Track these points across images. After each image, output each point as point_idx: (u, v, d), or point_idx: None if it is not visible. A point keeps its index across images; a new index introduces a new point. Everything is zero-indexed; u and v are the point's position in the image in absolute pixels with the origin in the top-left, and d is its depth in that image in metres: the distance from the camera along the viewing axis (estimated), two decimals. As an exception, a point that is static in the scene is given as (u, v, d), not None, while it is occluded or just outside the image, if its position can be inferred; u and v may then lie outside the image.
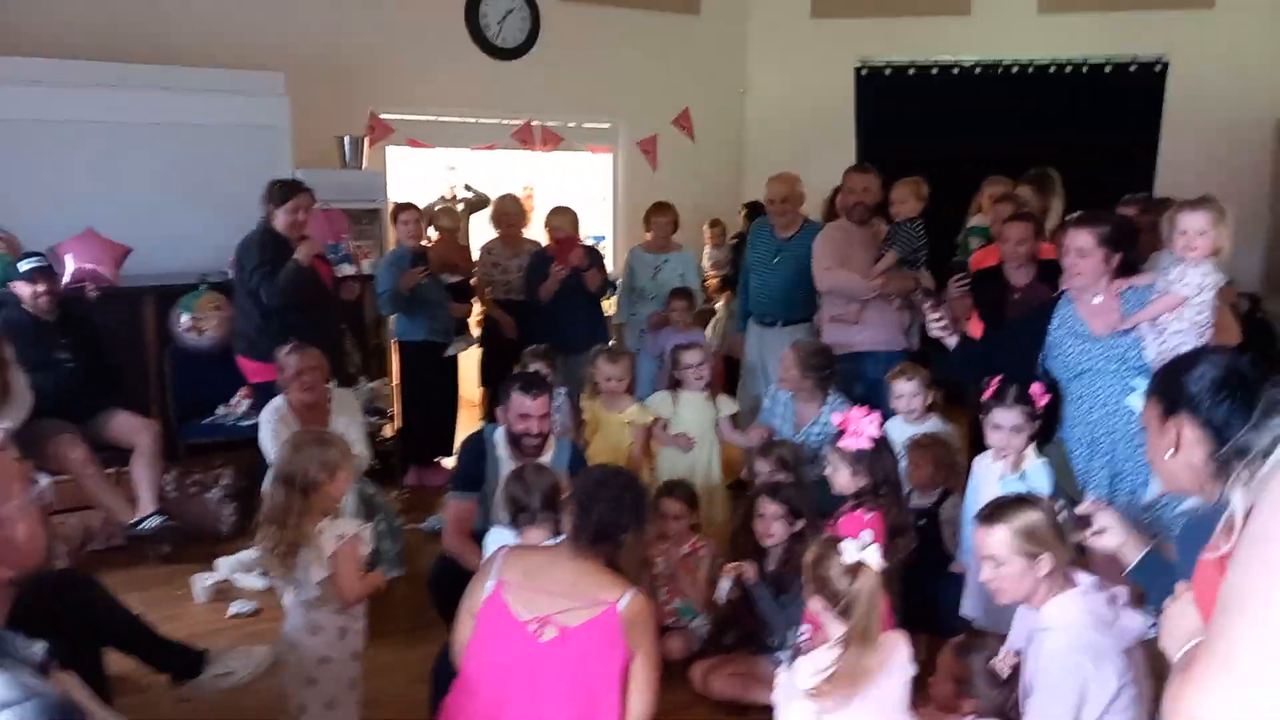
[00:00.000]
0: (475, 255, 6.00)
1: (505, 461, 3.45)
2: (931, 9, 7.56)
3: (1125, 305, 3.13)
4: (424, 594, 3.93)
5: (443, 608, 3.46)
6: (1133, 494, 3.12)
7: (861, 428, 2.94)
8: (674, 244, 5.84)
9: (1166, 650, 1.34)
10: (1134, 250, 3.21)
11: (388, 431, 5.60)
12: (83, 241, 4.97)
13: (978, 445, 3.80)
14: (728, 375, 5.83)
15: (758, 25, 8.03)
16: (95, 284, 4.90)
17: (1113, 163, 6.59)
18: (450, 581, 3.28)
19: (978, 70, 7.51)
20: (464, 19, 6.92)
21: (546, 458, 3.38)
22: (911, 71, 7.61)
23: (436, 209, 5.92)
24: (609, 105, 7.56)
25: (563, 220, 5.43)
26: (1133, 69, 7.32)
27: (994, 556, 2.28)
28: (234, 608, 4.00)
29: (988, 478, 3.24)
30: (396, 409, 5.67)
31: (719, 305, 6.71)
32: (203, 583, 4.12)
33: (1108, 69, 7.35)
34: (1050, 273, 4.16)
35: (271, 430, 4.11)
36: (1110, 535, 2.18)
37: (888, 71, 7.66)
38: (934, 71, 7.58)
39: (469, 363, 6.49)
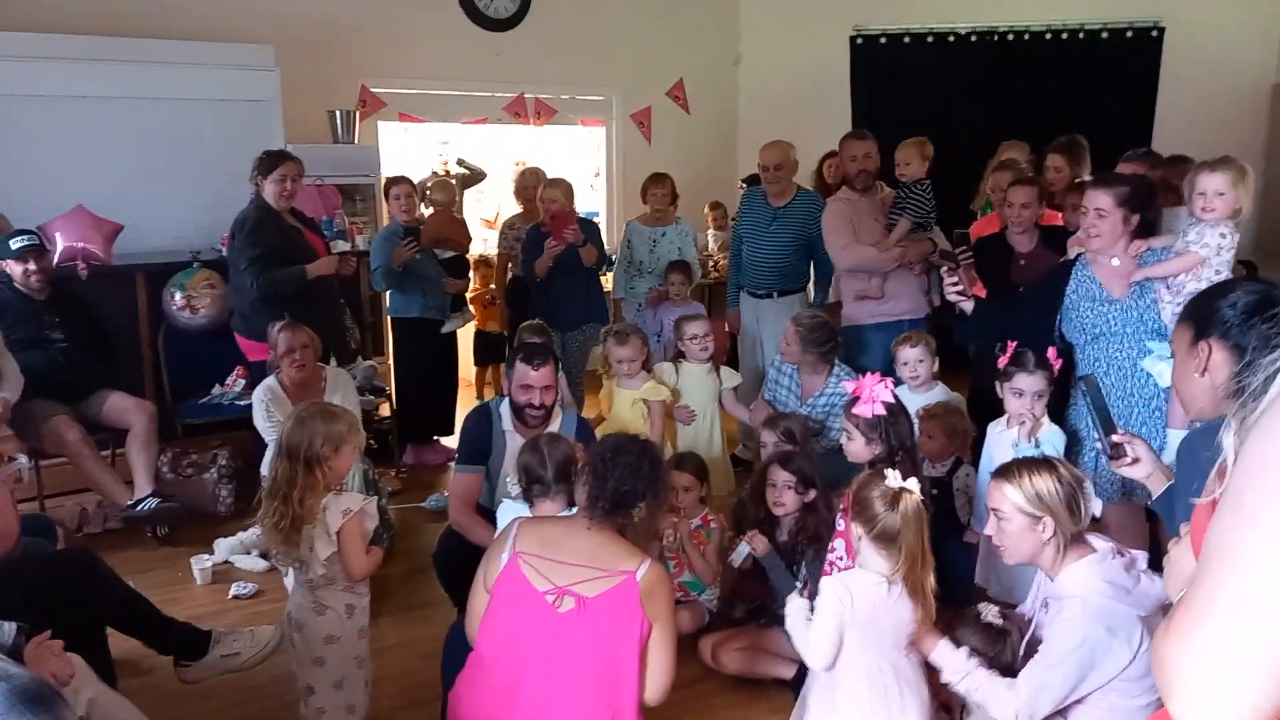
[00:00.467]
0: (471, 230, 5.92)
1: (511, 434, 3.39)
2: (927, -24, 7.47)
3: (1142, 266, 3.09)
4: (426, 572, 3.91)
5: (448, 583, 3.44)
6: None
7: (876, 394, 2.89)
8: (672, 216, 5.77)
9: (1169, 594, 1.35)
10: (1152, 211, 3.17)
11: (384, 410, 5.54)
12: (73, 219, 4.88)
13: (976, 413, 3.78)
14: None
15: (751, -7, 7.92)
16: (86, 262, 4.82)
17: (1109, 129, 6.53)
18: (456, 556, 3.25)
19: (973, 38, 7.48)
20: (455, -10, 6.80)
21: (553, 428, 3.33)
22: (907, 40, 7.58)
23: (430, 184, 5.80)
24: (602, 77, 7.46)
25: (556, 192, 5.32)
26: (1129, 34, 7.31)
27: (999, 510, 2.32)
28: (234, 589, 3.95)
29: (1002, 444, 3.21)
30: (392, 387, 5.61)
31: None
32: (201, 564, 4.07)
33: (1104, 35, 7.34)
34: (1054, 239, 4.13)
35: (264, 410, 4.07)
36: (1141, 466, 2.29)
37: (883, 40, 7.61)
38: (929, 39, 7.54)
39: (468, 340, 6.45)
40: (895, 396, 2.94)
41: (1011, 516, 2.28)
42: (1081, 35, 7.35)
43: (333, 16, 6.31)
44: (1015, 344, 3.10)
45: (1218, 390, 1.84)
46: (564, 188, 5.37)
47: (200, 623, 3.14)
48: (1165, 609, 2.15)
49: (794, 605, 2.50)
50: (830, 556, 2.95)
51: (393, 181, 5.44)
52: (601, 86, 7.51)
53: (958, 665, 2.30)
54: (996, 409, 3.37)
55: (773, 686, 3.24)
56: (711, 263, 7.01)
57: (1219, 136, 5.81)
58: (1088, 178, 4.25)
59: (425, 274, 5.33)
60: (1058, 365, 3.09)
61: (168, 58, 5.37)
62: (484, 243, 7.32)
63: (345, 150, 6.09)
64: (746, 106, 8.01)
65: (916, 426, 3.48)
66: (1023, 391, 3.04)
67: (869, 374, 3.00)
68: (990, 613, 2.41)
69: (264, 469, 3.88)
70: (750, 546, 3.34)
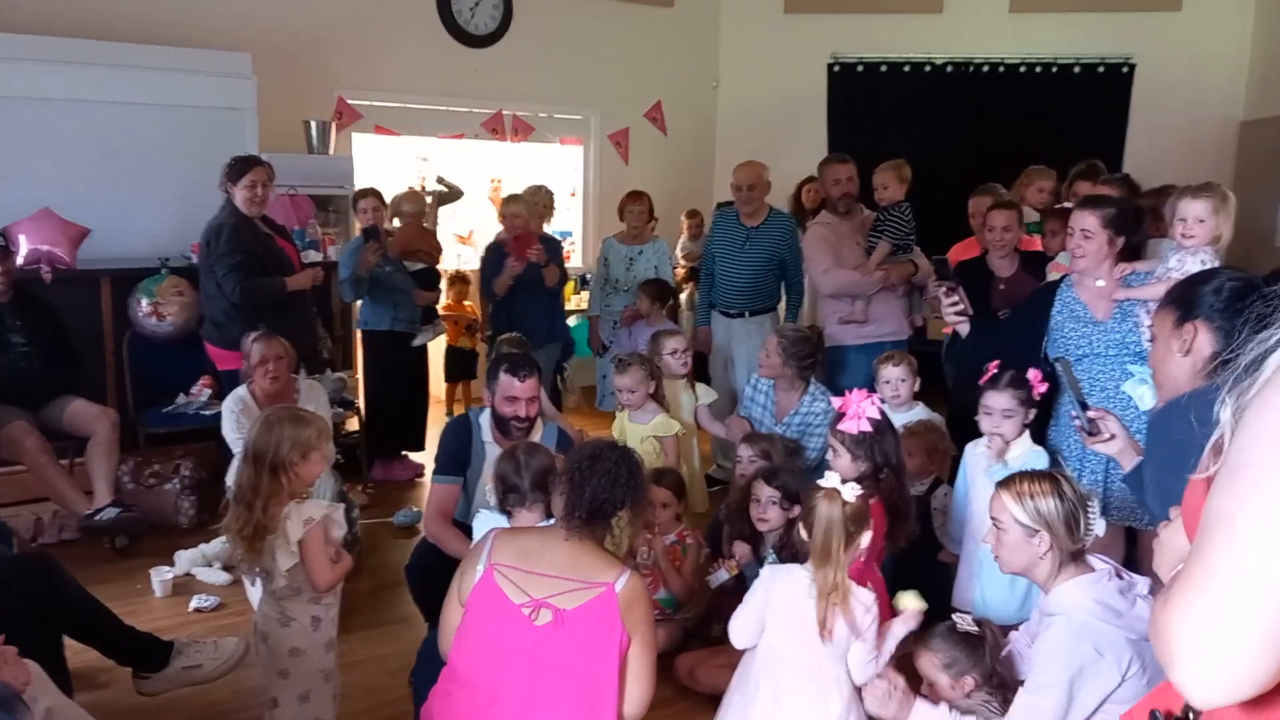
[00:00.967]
0: (444, 244, 5.85)
1: (491, 445, 3.32)
2: (904, 6, 7.57)
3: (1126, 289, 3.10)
4: (399, 587, 3.82)
5: (421, 596, 3.36)
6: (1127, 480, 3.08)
7: (862, 410, 2.86)
8: (648, 234, 5.76)
9: (1160, 574, 1.35)
10: (1138, 234, 3.19)
11: (353, 424, 5.44)
12: (38, 221, 4.77)
13: (955, 436, 3.77)
14: (696, 368, 5.75)
15: (730, 19, 7.98)
16: (51, 265, 4.70)
17: (1080, 161, 6.62)
18: (429, 569, 3.17)
19: (949, 68, 7.57)
20: (435, 4, 6.78)
21: (534, 440, 3.27)
22: (883, 68, 7.66)
23: (400, 194, 5.72)
24: (581, 96, 7.46)
25: (520, 208, 5.25)
26: (1101, 69, 7.43)
27: (998, 520, 2.32)
28: (195, 602, 3.84)
29: (978, 464, 3.19)
30: (361, 401, 5.51)
31: (683, 296, 6.62)
32: (162, 576, 3.95)
33: (1076, 69, 7.46)
34: (1034, 263, 4.15)
35: (234, 421, 3.99)
36: (1115, 442, 2.43)
37: (860, 68, 7.69)
38: (905, 69, 7.63)
39: (439, 356, 6.38)
40: (882, 413, 2.91)
41: (1009, 527, 2.28)
42: (1055, 69, 7.47)
43: (311, 26, 6.26)
44: (997, 364, 3.08)
45: (1197, 370, 1.95)
46: (526, 203, 5.30)
47: (160, 635, 3.03)
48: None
49: (765, 574, 2.55)
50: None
51: (361, 194, 5.38)
52: (580, 106, 7.51)
53: None
54: (975, 431, 3.36)
55: (749, 707, 3.18)
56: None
57: (1188, 170, 5.88)
58: (1068, 204, 4.28)
59: (395, 286, 5.26)
60: (1041, 388, 3.06)
61: (142, 62, 5.30)
62: (458, 258, 7.27)
63: (320, 161, 6.02)
64: (724, 130, 8.04)
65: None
66: (991, 410, 3.02)
67: (855, 390, 2.97)
68: (964, 621, 2.40)
69: (229, 479, 3.79)
70: (728, 571, 3.30)
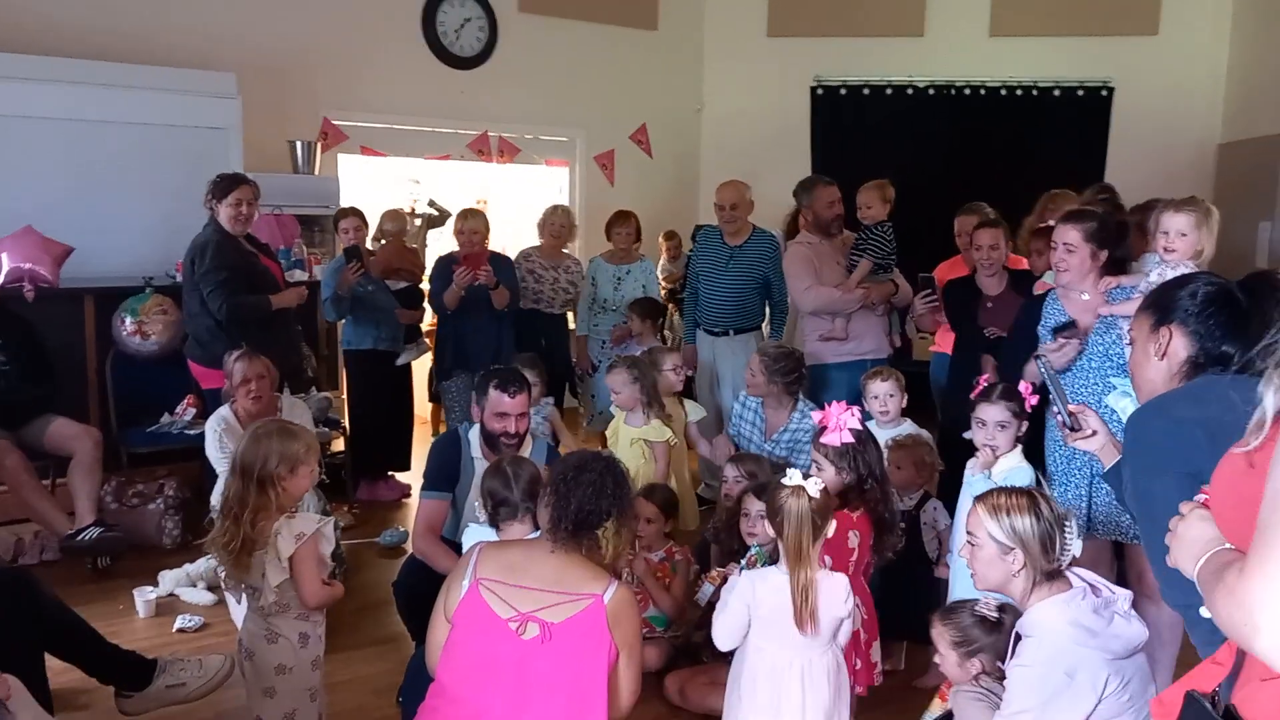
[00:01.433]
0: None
1: (480, 461, 3.31)
2: (886, 30, 7.65)
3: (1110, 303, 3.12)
4: (384, 606, 3.80)
5: (409, 614, 3.33)
6: (1112, 494, 3.08)
7: (843, 422, 2.87)
8: (636, 254, 5.77)
9: (1181, 566, 1.36)
10: (1122, 247, 3.21)
11: (339, 445, 5.41)
12: (21, 239, 4.74)
13: (944, 455, 3.78)
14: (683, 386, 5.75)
15: (714, 42, 8.04)
16: (33, 283, 4.67)
17: (1060, 184, 6.69)
18: (417, 586, 3.14)
19: (930, 91, 7.65)
20: (420, 26, 6.80)
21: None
22: (866, 91, 7.73)
23: (383, 213, 5.70)
24: (567, 118, 7.49)
25: (478, 223, 5.07)
26: (1080, 92, 7.53)
27: (973, 535, 2.31)
28: (179, 622, 3.79)
29: (974, 484, 3.19)
30: (347, 421, 5.48)
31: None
32: (145, 596, 3.90)
33: (1056, 92, 7.55)
34: (1023, 282, 4.18)
35: (217, 440, 3.97)
36: (1096, 438, 2.45)
37: (842, 91, 7.76)
38: (888, 91, 7.70)
39: (424, 376, 6.34)
40: (863, 423, 2.91)
41: (984, 543, 2.26)
42: (1035, 92, 7.56)
43: (296, 47, 6.27)
44: (987, 378, 3.09)
45: (1173, 374, 1.97)
46: (481, 219, 5.14)
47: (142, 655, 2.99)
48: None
49: (733, 579, 2.60)
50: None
51: (343, 213, 5.36)
52: (566, 127, 7.54)
53: None
54: (965, 449, 3.36)
55: (740, 724, 3.16)
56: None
57: (1168, 192, 5.85)
58: (1052, 222, 4.31)
59: (378, 305, 5.23)
60: (1032, 401, 3.06)
61: (127, 81, 5.29)
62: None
63: (305, 180, 6.02)
64: (708, 152, 8.09)
65: (886, 458, 3.46)
66: (984, 421, 3.04)
67: (835, 403, 2.97)
68: (988, 606, 2.41)
69: (214, 500, 3.75)
70: (712, 584, 3.29)
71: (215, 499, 3.73)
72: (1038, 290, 3.96)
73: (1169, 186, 6.68)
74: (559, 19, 7.32)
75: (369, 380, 5.35)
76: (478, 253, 4.94)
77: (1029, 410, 2.96)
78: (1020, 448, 3.05)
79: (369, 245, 5.47)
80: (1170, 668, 3.00)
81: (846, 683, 2.55)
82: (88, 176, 5.20)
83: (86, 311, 5.00)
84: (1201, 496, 1.38)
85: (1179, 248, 2.99)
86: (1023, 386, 2.93)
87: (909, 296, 4.95)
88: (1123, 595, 2.25)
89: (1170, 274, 2.98)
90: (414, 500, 4.43)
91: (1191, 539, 1.34)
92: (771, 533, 3.16)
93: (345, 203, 5.77)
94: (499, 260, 5.15)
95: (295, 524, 2.51)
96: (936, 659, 2.51)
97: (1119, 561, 3.23)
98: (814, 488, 2.43)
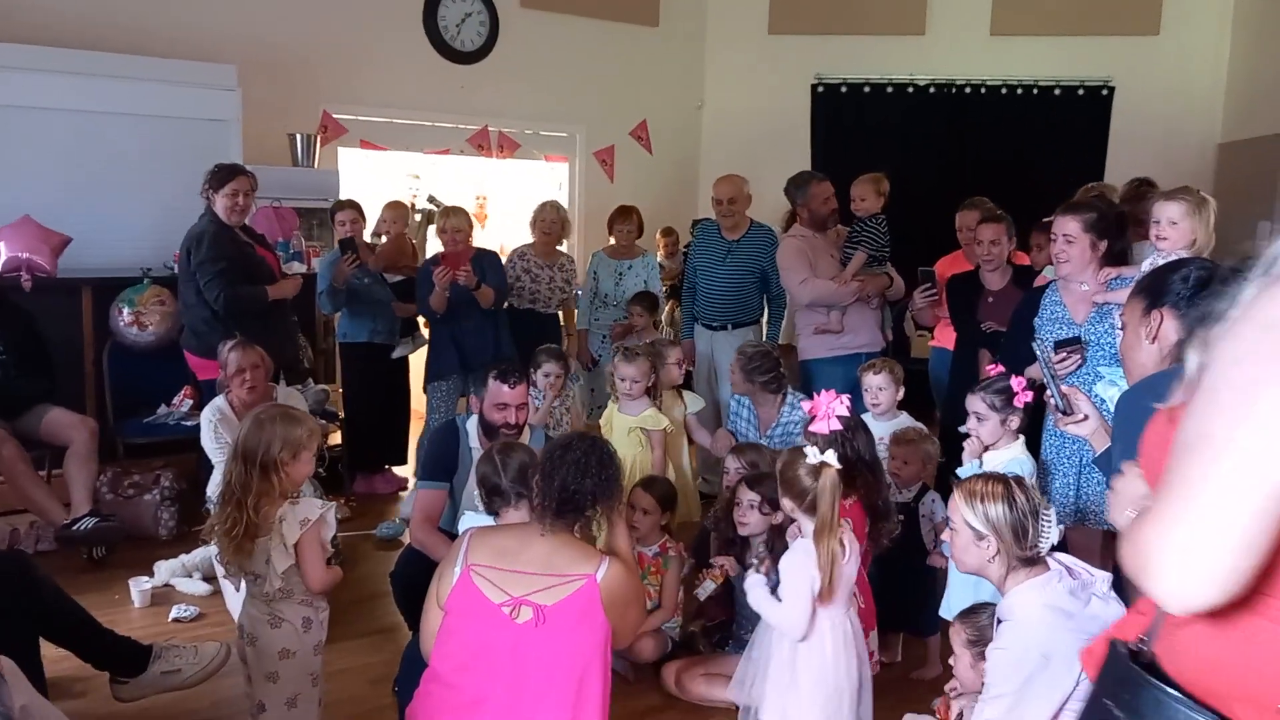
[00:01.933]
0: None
1: (477, 452, 3.30)
2: (887, 28, 7.65)
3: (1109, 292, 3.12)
4: (380, 598, 3.79)
5: (405, 603, 3.32)
6: (1101, 483, 3.08)
7: (831, 410, 2.86)
8: (638, 249, 5.76)
9: (1115, 521, 1.42)
10: (1121, 239, 3.21)
11: (335, 438, 5.39)
12: (19, 229, 4.73)
13: (945, 449, 3.76)
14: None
15: (715, 40, 8.05)
16: (31, 273, 4.66)
17: (1060, 182, 6.71)
18: (414, 576, 3.12)
19: (931, 90, 7.66)
20: (422, 20, 6.80)
21: (522, 444, 3.24)
22: (866, 89, 7.73)
23: (384, 206, 5.67)
24: (567, 114, 7.49)
25: (461, 221, 4.93)
26: (1080, 92, 7.53)
27: (951, 518, 2.35)
28: (175, 612, 3.78)
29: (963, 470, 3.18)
30: (342, 414, 5.46)
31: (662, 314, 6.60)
32: (140, 587, 3.89)
33: (1056, 91, 7.55)
34: (1026, 277, 4.18)
35: (212, 430, 3.95)
36: (1087, 423, 2.47)
37: (843, 89, 7.76)
38: (888, 90, 7.70)
39: (420, 369, 6.31)
40: (851, 410, 2.91)
41: (960, 528, 2.28)
42: (1035, 91, 7.56)
43: (297, 40, 6.26)
44: (996, 368, 3.08)
45: (1163, 357, 2.00)
46: (464, 217, 5.02)
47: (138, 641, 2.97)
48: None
49: (753, 580, 2.58)
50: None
51: (339, 205, 5.34)
52: (566, 123, 7.54)
53: None
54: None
55: (736, 715, 3.15)
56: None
57: (1167, 191, 5.97)
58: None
59: (374, 298, 5.21)
60: (1026, 397, 3.05)
61: (127, 73, 5.27)
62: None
63: (304, 173, 6.00)
64: (708, 150, 8.08)
65: (886, 451, 3.45)
66: (969, 412, 3.05)
67: (824, 391, 2.97)
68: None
69: (210, 491, 3.74)
70: (713, 580, 3.28)
71: (211, 490, 3.72)
72: (1037, 285, 3.96)
73: (1169, 186, 6.60)
74: (560, 14, 7.31)
75: (365, 373, 5.32)
76: (458, 252, 4.80)
77: (1018, 405, 2.94)
78: (1022, 440, 3.04)
79: (367, 238, 5.45)
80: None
81: (865, 648, 2.61)
82: (86, 167, 5.19)
83: (84, 302, 4.98)
84: None
85: (1170, 236, 3.00)
86: (1015, 381, 2.93)
87: (903, 290, 4.95)
88: (1101, 577, 2.25)
89: (1160, 262, 2.98)
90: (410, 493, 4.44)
91: (1126, 496, 1.40)
92: (789, 506, 3.20)
93: (345, 196, 5.76)
94: (485, 257, 5.05)
95: (299, 509, 2.50)
96: (951, 660, 2.51)
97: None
98: (833, 458, 2.47)
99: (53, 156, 5.11)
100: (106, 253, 5.12)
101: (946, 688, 2.63)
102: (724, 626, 3.48)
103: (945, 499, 3.42)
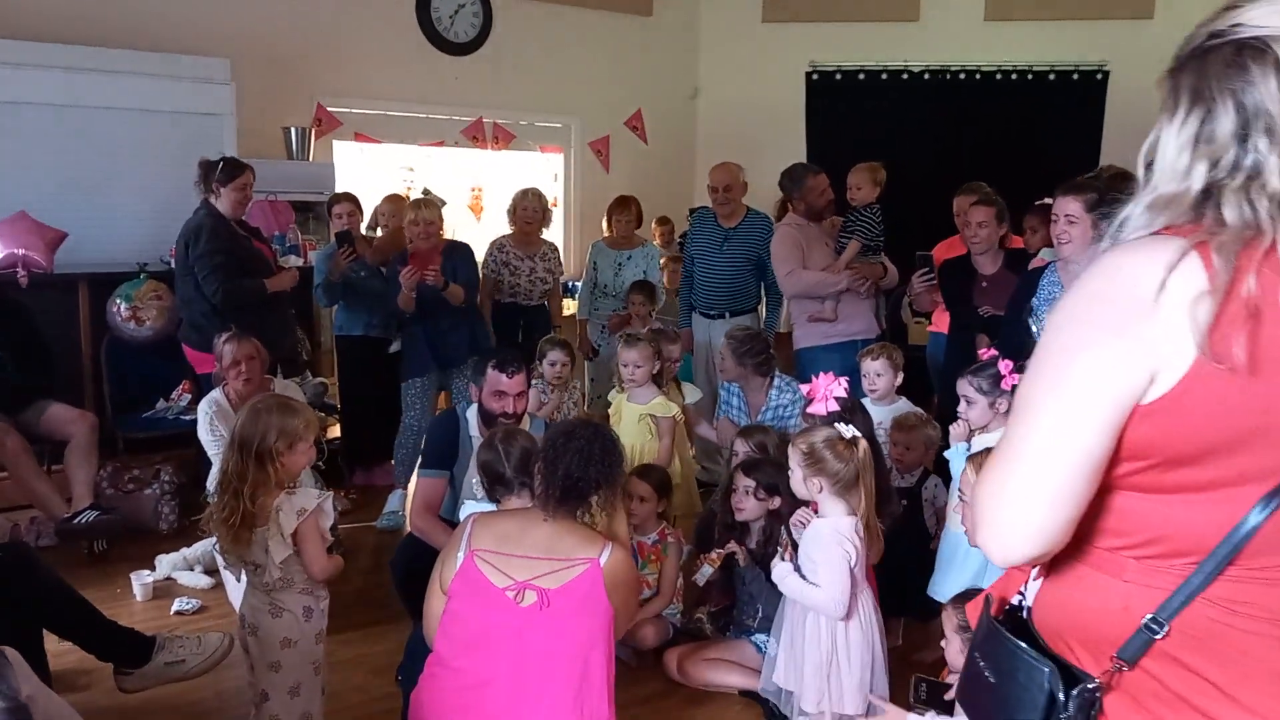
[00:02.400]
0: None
1: (478, 440, 3.31)
2: (881, 15, 7.64)
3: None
4: (381, 590, 3.79)
5: (405, 591, 3.33)
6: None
7: (829, 391, 2.89)
8: (637, 239, 5.75)
9: None
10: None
11: (335, 430, 5.39)
12: (14, 225, 4.73)
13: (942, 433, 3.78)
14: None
15: (709, 28, 8.03)
16: (27, 269, 4.65)
17: (1055, 168, 6.71)
18: (414, 564, 3.15)
19: (925, 76, 7.64)
20: (415, 12, 6.77)
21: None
22: (861, 76, 7.71)
23: (382, 199, 5.64)
24: (561, 104, 7.48)
25: (432, 213, 4.71)
26: (1075, 76, 7.51)
27: (964, 493, 2.53)
28: (177, 605, 3.79)
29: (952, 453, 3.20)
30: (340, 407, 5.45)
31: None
32: (142, 580, 3.89)
33: (1051, 76, 7.54)
34: (1019, 261, 4.17)
35: (208, 423, 3.94)
36: None
37: (838, 76, 7.74)
38: (883, 76, 7.68)
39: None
40: (848, 392, 2.94)
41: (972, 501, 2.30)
42: (1030, 76, 7.55)
43: (290, 33, 6.24)
44: (988, 351, 3.09)
45: None
46: (435, 209, 4.82)
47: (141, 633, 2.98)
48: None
49: (783, 568, 2.60)
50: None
51: (336, 198, 5.32)
52: (560, 114, 7.53)
53: None
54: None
55: (739, 700, 3.17)
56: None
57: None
58: (1048, 200, 4.31)
59: (370, 291, 5.17)
60: (1013, 379, 3.05)
61: (120, 67, 5.26)
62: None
63: (299, 167, 6.00)
64: (704, 138, 8.07)
65: (885, 436, 3.46)
66: (960, 396, 3.07)
67: (823, 375, 2.99)
68: None
69: (209, 485, 3.74)
70: (710, 565, 3.29)
71: (211, 484, 3.72)
72: (1032, 268, 3.96)
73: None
74: (553, 5, 7.29)
75: (361, 367, 5.26)
76: (426, 251, 4.57)
77: (1006, 388, 2.96)
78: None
79: (364, 231, 5.44)
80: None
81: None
82: (81, 163, 5.17)
83: (80, 297, 4.99)
84: None
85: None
86: (1003, 365, 2.94)
87: (896, 279, 4.94)
88: None
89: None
90: (411, 485, 4.43)
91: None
92: (758, 508, 3.21)
93: (340, 189, 5.75)
94: (457, 249, 4.86)
95: (296, 500, 2.50)
96: (943, 643, 2.51)
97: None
98: (855, 430, 2.55)
99: (47, 152, 5.10)
100: (102, 248, 5.11)
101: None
102: (725, 612, 3.49)
103: (946, 484, 3.45)
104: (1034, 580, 1.25)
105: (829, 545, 2.49)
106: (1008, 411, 2.96)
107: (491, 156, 7.38)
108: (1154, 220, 1.10)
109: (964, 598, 2.51)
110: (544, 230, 5.49)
